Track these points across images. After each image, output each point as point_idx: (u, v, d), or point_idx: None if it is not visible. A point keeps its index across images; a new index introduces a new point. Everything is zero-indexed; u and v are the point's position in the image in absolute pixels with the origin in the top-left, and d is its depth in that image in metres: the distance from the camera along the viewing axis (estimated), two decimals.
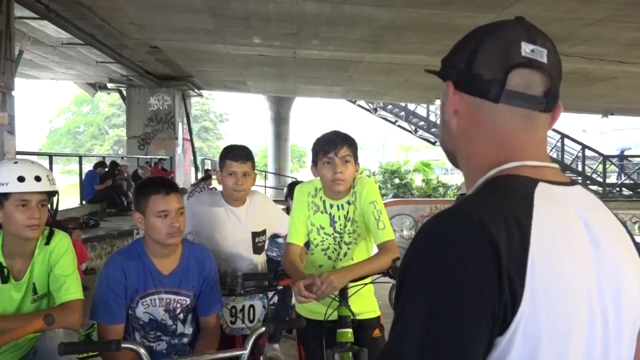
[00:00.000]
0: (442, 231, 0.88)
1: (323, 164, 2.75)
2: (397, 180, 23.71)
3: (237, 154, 3.21)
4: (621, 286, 0.96)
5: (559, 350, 0.87)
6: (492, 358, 0.86)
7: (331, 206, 2.85)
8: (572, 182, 1.03)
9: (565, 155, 23.42)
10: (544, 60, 1.00)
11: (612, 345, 0.94)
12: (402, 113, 24.45)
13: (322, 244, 2.89)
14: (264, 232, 3.40)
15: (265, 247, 3.49)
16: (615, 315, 0.94)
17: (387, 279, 2.71)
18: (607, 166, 24.04)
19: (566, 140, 23.61)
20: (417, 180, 25.02)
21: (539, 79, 1.00)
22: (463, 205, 0.92)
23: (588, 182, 23.09)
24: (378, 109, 24.79)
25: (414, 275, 0.87)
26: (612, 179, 25.52)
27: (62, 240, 2.73)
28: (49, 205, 2.68)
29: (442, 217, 0.91)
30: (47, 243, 2.68)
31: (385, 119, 25.80)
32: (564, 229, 0.91)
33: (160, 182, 2.70)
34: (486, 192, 0.95)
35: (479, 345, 0.83)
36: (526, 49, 0.99)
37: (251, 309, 3.20)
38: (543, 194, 0.93)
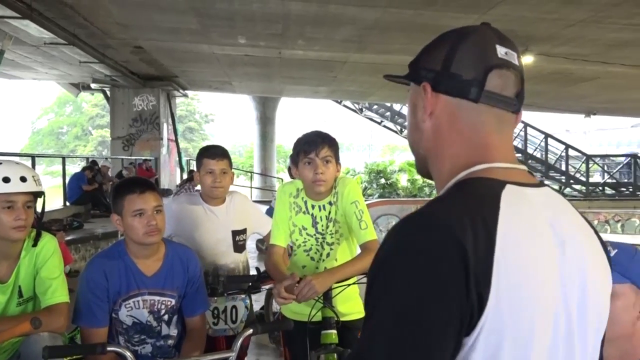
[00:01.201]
0: (410, 235, 0.89)
1: (304, 164, 2.73)
2: (382, 181, 23.80)
3: (213, 152, 3.24)
4: (587, 289, 0.97)
5: (521, 350, 0.87)
6: (458, 358, 0.86)
7: (313, 207, 2.84)
8: (540, 184, 1.04)
9: (549, 155, 23.62)
10: (516, 62, 1.03)
11: (577, 349, 0.96)
12: (388, 113, 24.52)
13: (305, 245, 2.87)
14: (244, 231, 3.39)
15: (246, 247, 3.49)
16: (580, 319, 0.96)
17: None
18: (590, 166, 24.28)
19: (550, 140, 23.80)
20: (403, 180, 25.13)
21: (512, 80, 1.03)
22: (431, 208, 0.92)
23: (571, 181, 23.35)
24: (364, 109, 24.85)
25: (382, 280, 0.87)
26: (595, 178, 25.80)
27: (49, 243, 2.70)
28: (35, 207, 2.65)
29: (410, 220, 0.91)
30: (35, 245, 2.65)
31: (371, 119, 25.85)
32: (529, 231, 0.92)
33: (135, 181, 2.68)
34: (455, 195, 0.96)
35: (448, 348, 0.84)
36: (501, 51, 1.02)
37: (234, 310, 3.19)
38: (510, 196, 0.93)
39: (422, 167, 1.12)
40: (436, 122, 1.05)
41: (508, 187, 0.95)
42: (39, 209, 2.72)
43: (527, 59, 10.87)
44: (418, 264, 0.85)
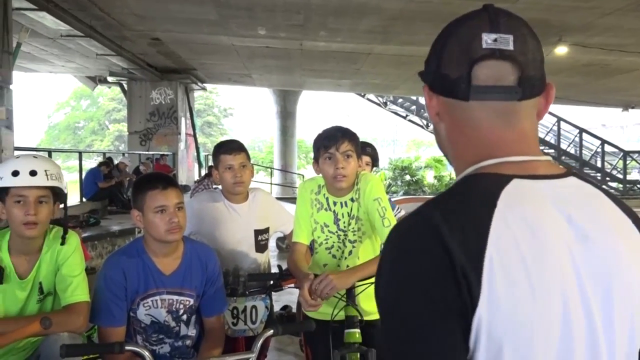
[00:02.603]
0: (398, 237, 0.93)
1: (324, 160, 2.74)
2: (407, 177, 23.58)
3: (230, 146, 3.21)
4: (614, 288, 0.92)
5: (524, 350, 0.86)
6: None
7: (334, 203, 2.84)
8: (565, 174, 1.00)
9: (583, 151, 23.36)
10: (510, 47, 0.97)
11: (602, 339, 0.90)
12: (413, 107, 24.44)
13: (326, 243, 2.87)
14: (267, 230, 3.35)
15: (268, 246, 3.46)
16: (606, 322, 0.91)
17: None
18: (627, 162, 23.85)
19: (585, 135, 23.50)
20: (429, 177, 24.89)
21: (508, 67, 0.97)
22: (422, 208, 0.94)
23: (607, 178, 22.99)
24: (388, 103, 24.78)
25: (382, 286, 0.92)
26: (633, 175, 25.32)
27: (71, 239, 2.67)
28: (61, 203, 2.64)
29: (403, 220, 0.94)
30: (63, 243, 2.62)
31: (396, 113, 25.84)
32: (531, 229, 0.89)
33: (157, 177, 2.67)
34: (453, 192, 0.96)
35: (455, 350, 0.85)
36: (487, 39, 0.97)
37: (253, 310, 3.14)
38: (513, 192, 0.92)
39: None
40: (443, 123, 1.05)
41: (514, 182, 0.93)
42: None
43: (561, 50, 10.78)
44: (404, 267, 0.88)
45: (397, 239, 0.92)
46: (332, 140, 2.71)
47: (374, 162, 4.15)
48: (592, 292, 0.91)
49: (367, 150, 4.09)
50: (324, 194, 2.85)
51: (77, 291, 2.61)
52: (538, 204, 0.93)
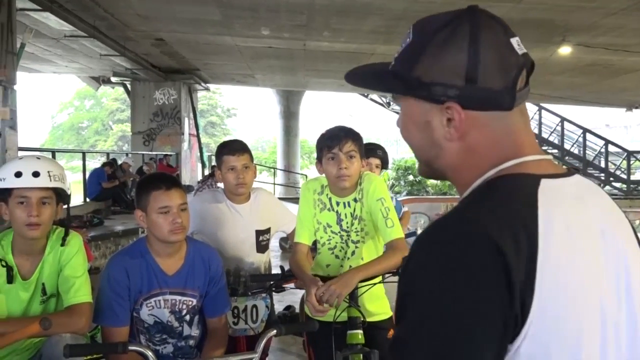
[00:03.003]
0: (444, 245, 0.85)
1: (327, 160, 2.72)
2: (411, 177, 23.49)
3: (233, 147, 3.20)
4: (631, 276, 0.93)
5: (570, 352, 0.85)
6: None
7: (337, 204, 2.82)
8: (570, 172, 1.00)
9: (587, 151, 23.19)
10: (523, 49, 0.97)
11: (624, 342, 0.91)
12: None
13: (329, 243, 2.85)
14: (268, 231, 3.33)
15: (269, 247, 3.45)
16: (629, 304, 0.92)
17: (397, 278, 2.55)
18: (631, 162, 23.73)
19: (588, 135, 23.30)
20: None
21: (524, 70, 0.97)
22: (464, 213, 0.89)
23: (611, 179, 22.90)
24: (391, 103, 24.63)
25: (420, 296, 0.85)
26: (637, 175, 25.21)
27: (73, 240, 2.67)
28: (63, 203, 2.64)
29: (442, 227, 0.89)
30: (63, 244, 2.63)
31: (399, 113, 25.56)
32: (570, 228, 0.88)
33: (161, 177, 2.66)
34: (487, 195, 0.91)
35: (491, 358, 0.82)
36: (515, 44, 0.95)
37: (254, 310, 3.15)
38: (547, 192, 0.90)
39: (429, 172, 1.07)
40: (467, 140, 0.97)
41: (543, 182, 0.91)
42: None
43: (565, 50, 10.76)
44: (456, 278, 0.82)
45: (441, 248, 0.86)
46: (336, 140, 2.70)
47: (384, 165, 4.11)
48: (617, 285, 0.91)
49: (377, 153, 4.05)
50: (327, 194, 2.84)
51: (80, 292, 2.61)
52: (570, 203, 0.92)
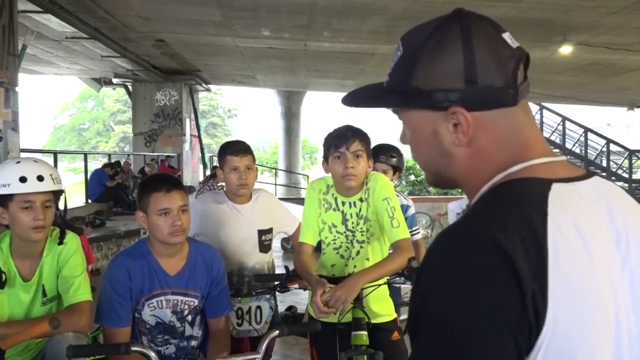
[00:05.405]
0: (456, 257, 0.83)
1: (334, 159, 2.72)
2: (412, 177, 23.44)
3: (236, 148, 3.21)
4: None
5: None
6: None
7: (343, 203, 2.82)
8: (588, 174, 0.95)
9: (588, 150, 23.15)
10: (516, 43, 0.95)
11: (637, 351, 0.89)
12: None
13: (334, 243, 2.85)
14: (270, 230, 3.34)
15: (272, 247, 3.45)
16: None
17: (402, 279, 2.75)
18: (633, 161, 23.71)
19: (590, 135, 23.27)
20: None
21: (521, 63, 0.95)
22: (472, 221, 0.87)
23: (613, 178, 22.82)
24: None
25: (433, 313, 0.83)
26: (639, 174, 25.16)
27: (71, 240, 2.68)
28: (55, 205, 2.64)
29: (453, 237, 0.86)
30: (60, 243, 2.64)
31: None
32: (583, 236, 0.85)
33: (162, 179, 2.66)
34: (496, 203, 0.89)
35: None
36: (507, 39, 0.94)
37: (258, 310, 3.17)
38: (558, 197, 0.87)
39: (440, 181, 1.05)
40: (474, 145, 0.95)
41: (555, 186, 0.88)
42: (60, 206, 2.73)
43: (566, 49, 10.72)
44: (469, 289, 0.80)
45: (453, 259, 0.84)
46: (343, 139, 2.70)
47: (395, 170, 3.89)
48: (636, 298, 0.89)
49: (391, 161, 3.82)
50: (333, 194, 2.84)
51: (79, 291, 2.62)
52: (583, 208, 0.89)
